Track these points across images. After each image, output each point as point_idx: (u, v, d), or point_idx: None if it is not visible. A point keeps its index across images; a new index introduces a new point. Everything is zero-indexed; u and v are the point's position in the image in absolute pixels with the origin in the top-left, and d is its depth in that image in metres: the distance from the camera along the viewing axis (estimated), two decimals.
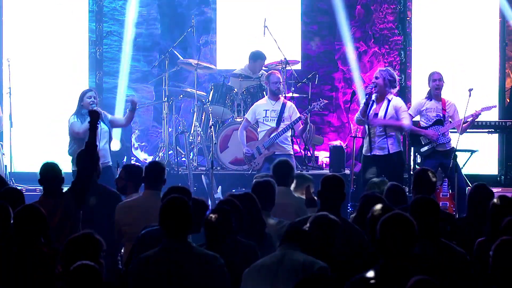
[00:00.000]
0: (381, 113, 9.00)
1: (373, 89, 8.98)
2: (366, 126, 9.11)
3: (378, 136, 9.06)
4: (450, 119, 9.67)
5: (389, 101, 9.06)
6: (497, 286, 4.06)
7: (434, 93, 9.64)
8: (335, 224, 4.79)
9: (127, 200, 6.38)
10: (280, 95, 10.02)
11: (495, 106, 9.68)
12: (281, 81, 9.96)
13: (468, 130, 9.80)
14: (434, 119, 9.64)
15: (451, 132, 9.70)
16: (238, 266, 4.74)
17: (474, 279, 4.84)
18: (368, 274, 4.20)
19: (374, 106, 9.04)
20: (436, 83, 9.61)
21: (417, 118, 9.83)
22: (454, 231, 6.02)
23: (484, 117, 10.93)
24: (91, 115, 6.41)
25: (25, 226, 5.05)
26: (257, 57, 11.73)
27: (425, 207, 4.90)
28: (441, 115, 9.62)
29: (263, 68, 11.77)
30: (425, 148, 9.73)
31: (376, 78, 9.07)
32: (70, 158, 9.43)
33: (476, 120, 10.15)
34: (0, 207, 5.29)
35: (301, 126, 9.73)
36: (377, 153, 9.05)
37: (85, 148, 6.39)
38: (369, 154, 9.07)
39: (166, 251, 4.64)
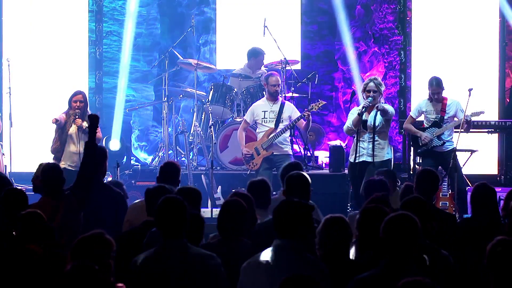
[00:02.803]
0: (370, 121, 8.91)
1: (370, 102, 8.85)
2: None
3: (368, 142, 8.97)
4: (455, 119, 9.62)
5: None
6: (493, 285, 4.05)
7: (433, 98, 9.64)
8: (348, 226, 4.80)
9: (141, 200, 6.33)
10: (279, 96, 10.02)
11: (483, 112, 9.63)
12: (280, 83, 9.94)
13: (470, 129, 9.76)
14: (432, 121, 9.64)
15: (455, 132, 9.65)
16: (240, 265, 4.75)
17: (458, 282, 4.83)
18: (370, 274, 4.21)
19: (364, 114, 8.92)
20: (433, 90, 9.59)
21: (422, 117, 9.83)
22: (455, 232, 6.03)
23: (484, 117, 10.93)
24: (90, 119, 6.45)
25: (29, 228, 5.06)
26: (258, 54, 11.74)
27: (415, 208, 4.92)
28: (440, 116, 9.61)
29: (264, 68, 11.77)
30: (423, 148, 9.74)
31: (374, 92, 8.92)
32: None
33: (475, 120, 10.15)
34: None
35: (304, 123, 9.73)
36: (366, 160, 8.90)
37: (85, 151, 6.42)
38: (356, 161, 8.90)
39: (163, 251, 4.64)
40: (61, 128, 9.64)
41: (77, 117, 9.48)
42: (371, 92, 8.88)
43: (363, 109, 8.82)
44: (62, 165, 9.25)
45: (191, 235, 4.80)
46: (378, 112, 8.86)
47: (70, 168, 9.33)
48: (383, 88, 9.05)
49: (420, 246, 4.58)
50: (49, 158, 9.66)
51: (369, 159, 8.88)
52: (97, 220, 6.25)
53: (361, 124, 8.87)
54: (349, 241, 4.85)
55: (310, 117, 9.79)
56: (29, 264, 4.84)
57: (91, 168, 6.37)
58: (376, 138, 8.91)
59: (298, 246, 4.56)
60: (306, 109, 9.84)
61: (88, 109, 9.71)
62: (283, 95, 10.72)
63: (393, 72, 12.77)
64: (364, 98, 8.96)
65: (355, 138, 8.94)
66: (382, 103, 9.04)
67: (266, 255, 4.61)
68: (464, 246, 5.87)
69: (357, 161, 8.87)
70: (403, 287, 3.61)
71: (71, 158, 9.50)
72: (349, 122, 9.03)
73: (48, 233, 5.17)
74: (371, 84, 8.94)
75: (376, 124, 8.86)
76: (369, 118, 8.89)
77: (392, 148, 9.45)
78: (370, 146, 8.89)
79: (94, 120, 6.44)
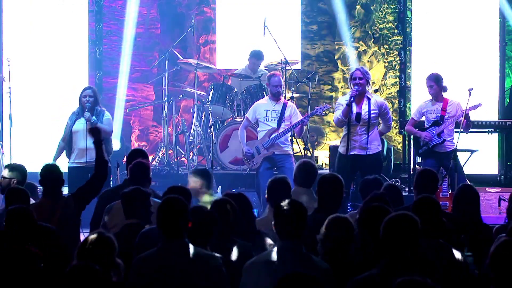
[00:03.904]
0: (364, 113, 8.90)
1: (357, 91, 8.87)
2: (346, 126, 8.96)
3: (360, 135, 8.97)
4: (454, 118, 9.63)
5: (369, 99, 8.96)
6: (495, 286, 4.05)
7: (429, 92, 9.66)
8: (351, 226, 4.80)
9: (113, 203, 6.30)
10: (281, 96, 10.01)
11: (480, 105, 9.61)
12: (282, 84, 9.91)
13: (470, 128, 9.74)
14: (432, 121, 9.65)
15: (456, 132, 9.66)
16: (233, 265, 4.74)
17: (473, 281, 4.83)
18: (370, 274, 4.21)
19: (354, 106, 8.86)
20: (426, 83, 9.63)
21: (423, 119, 9.84)
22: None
23: (484, 117, 10.94)
24: (90, 133, 6.47)
25: (13, 227, 5.05)
26: (251, 56, 11.76)
27: (427, 207, 4.93)
28: (440, 116, 9.61)
29: (264, 68, 11.77)
30: (423, 148, 9.75)
31: (360, 79, 8.94)
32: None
33: (475, 120, 10.16)
34: None
35: (298, 128, 9.73)
36: (359, 153, 8.91)
37: (95, 165, 6.43)
38: (348, 153, 8.85)
39: (164, 251, 4.64)
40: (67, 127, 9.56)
41: (85, 110, 9.38)
42: (357, 80, 8.86)
43: (351, 99, 8.78)
44: (71, 164, 9.23)
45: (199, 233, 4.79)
46: (369, 104, 8.86)
47: (77, 165, 9.29)
48: (370, 76, 9.02)
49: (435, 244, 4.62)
50: (49, 158, 9.65)
51: (362, 153, 8.87)
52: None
53: (353, 115, 8.82)
54: (351, 241, 4.84)
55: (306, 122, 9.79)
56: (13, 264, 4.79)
57: (100, 181, 6.41)
58: (369, 130, 8.91)
59: (301, 246, 4.56)
60: (309, 113, 9.77)
61: (99, 105, 9.58)
62: (284, 95, 10.70)
63: (393, 72, 12.78)
64: (350, 87, 8.94)
65: (346, 130, 8.89)
66: (372, 94, 9.04)
67: (269, 255, 4.60)
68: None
69: (348, 153, 8.85)
70: (400, 286, 3.61)
71: (79, 154, 9.42)
72: (338, 113, 8.96)
73: (36, 232, 5.14)
74: (357, 72, 8.94)
75: (369, 117, 8.85)
76: (362, 110, 8.87)
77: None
78: (363, 139, 8.88)
79: (94, 134, 6.45)
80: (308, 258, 4.56)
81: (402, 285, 3.61)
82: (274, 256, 4.57)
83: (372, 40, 12.99)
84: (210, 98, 11.42)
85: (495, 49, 11.94)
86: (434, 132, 9.61)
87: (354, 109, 8.85)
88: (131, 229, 5.44)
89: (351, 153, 8.85)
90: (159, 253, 4.65)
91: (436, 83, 9.58)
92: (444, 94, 9.69)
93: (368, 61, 13.02)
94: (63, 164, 9.37)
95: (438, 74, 9.70)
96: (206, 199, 6.91)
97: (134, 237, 5.31)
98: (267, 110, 9.79)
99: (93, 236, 4.49)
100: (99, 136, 6.45)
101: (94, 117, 9.30)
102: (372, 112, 8.88)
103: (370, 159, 8.90)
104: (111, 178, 9.53)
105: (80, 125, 9.36)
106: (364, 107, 8.90)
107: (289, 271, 4.26)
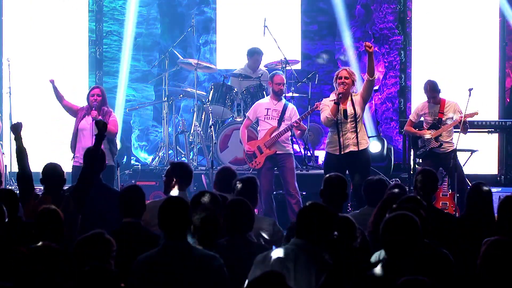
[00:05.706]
0: (349, 110, 8.89)
1: (345, 89, 8.84)
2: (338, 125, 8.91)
3: (351, 132, 8.90)
4: (454, 118, 9.61)
5: (352, 98, 8.99)
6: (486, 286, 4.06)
7: (431, 101, 9.65)
8: (354, 225, 4.80)
9: (156, 200, 6.29)
10: (282, 96, 10.01)
11: (477, 113, 9.62)
12: (285, 82, 9.92)
13: (468, 130, 9.74)
14: (431, 124, 9.64)
15: (455, 131, 9.65)
16: (249, 265, 4.73)
17: (456, 280, 4.82)
18: (372, 272, 4.21)
19: (340, 105, 8.85)
20: (428, 94, 9.61)
21: (422, 119, 9.83)
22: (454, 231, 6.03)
23: (484, 117, 10.94)
24: (97, 125, 6.42)
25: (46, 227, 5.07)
26: (253, 53, 11.77)
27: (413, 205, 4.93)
28: (437, 118, 9.60)
29: (264, 67, 11.77)
30: (421, 150, 9.75)
31: (346, 78, 8.89)
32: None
33: (475, 120, 10.16)
34: None
35: (298, 132, 9.72)
36: (353, 150, 8.85)
37: (88, 155, 6.39)
38: (341, 153, 8.82)
39: (166, 251, 4.64)
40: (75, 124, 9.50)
41: (93, 109, 9.33)
42: (343, 79, 8.83)
43: (340, 95, 8.76)
44: (75, 162, 9.18)
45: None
46: (352, 102, 8.85)
47: (82, 164, 9.24)
48: (355, 77, 9.01)
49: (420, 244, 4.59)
50: (49, 158, 9.64)
51: (355, 149, 8.83)
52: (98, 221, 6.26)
53: (341, 114, 8.80)
54: (352, 242, 4.83)
55: (303, 125, 9.76)
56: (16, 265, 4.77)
57: (91, 174, 6.37)
58: (358, 126, 8.89)
59: (315, 248, 4.53)
60: (298, 119, 9.75)
61: (107, 105, 9.54)
62: (284, 95, 10.71)
63: (393, 72, 12.78)
64: (335, 86, 8.92)
65: (336, 130, 8.86)
66: (355, 91, 9.03)
67: (282, 252, 4.58)
68: (461, 243, 5.87)
69: (342, 153, 8.82)
70: (402, 286, 3.62)
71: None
72: (326, 113, 8.95)
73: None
74: (344, 71, 8.92)
75: (355, 113, 8.85)
76: (348, 108, 8.86)
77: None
78: (354, 135, 8.87)
79: (100, 127, 6.39)
80: (319, 256, 4.53)
81: (404, 284, 3.61)
82: (286, 252, 4.55)
83: (372, 40, 12.99)
84: (210, 98, 11.42)
85: (495, 49, 11.94)
86: (431, 135, 9.61)
87: (340, 107, 8.84)
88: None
89: (345, 151, 8.83)
90: (160, 254, 4.65)
91: (438, 93, 9.57)
92: (442, 95, 9.70)
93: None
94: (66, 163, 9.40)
95: (429, 82, 9.65)
96: None
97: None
98: (268, 109, 9.80)
99: (90, 235, 4.49)
100: (103, 131, 6.42)
101: (100, 117, 9.25)
102: (356, 108, 8.84)
103: (362, 155, 8.88)
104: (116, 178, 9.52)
105: (87, 124, 9.32)
106: (349, 104, 8.88)
107: (299, 269, 4.27)
